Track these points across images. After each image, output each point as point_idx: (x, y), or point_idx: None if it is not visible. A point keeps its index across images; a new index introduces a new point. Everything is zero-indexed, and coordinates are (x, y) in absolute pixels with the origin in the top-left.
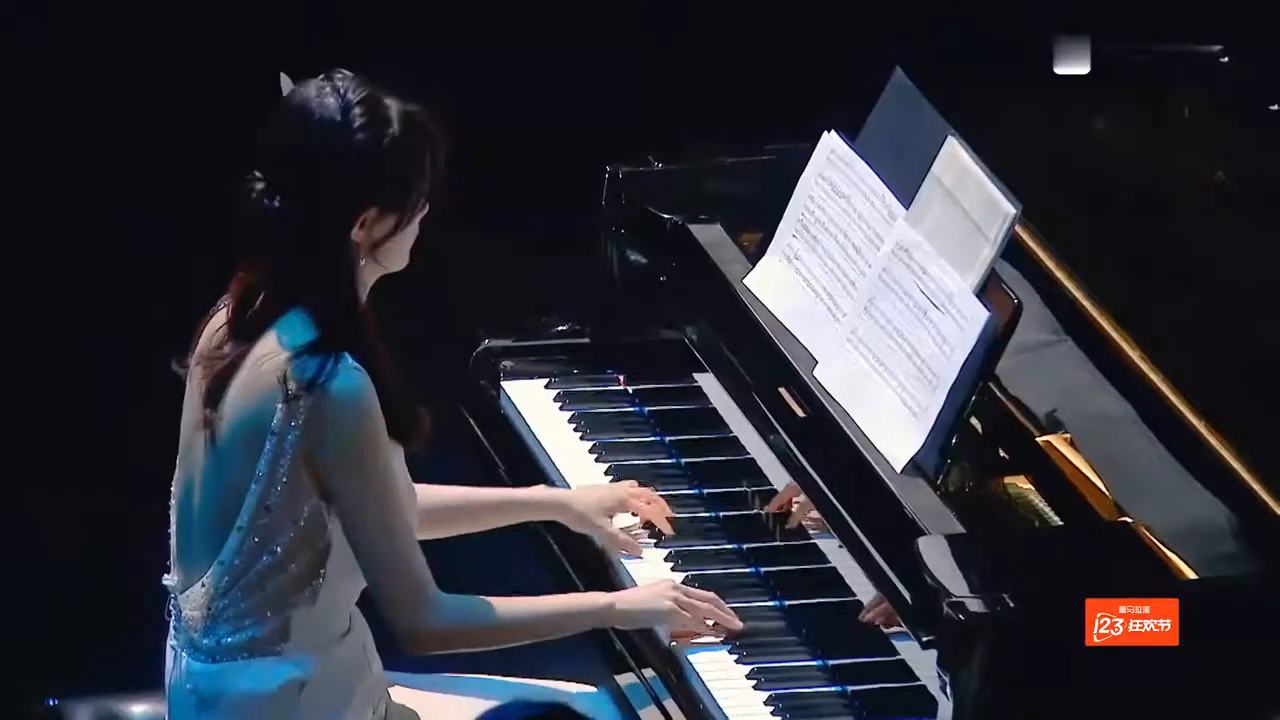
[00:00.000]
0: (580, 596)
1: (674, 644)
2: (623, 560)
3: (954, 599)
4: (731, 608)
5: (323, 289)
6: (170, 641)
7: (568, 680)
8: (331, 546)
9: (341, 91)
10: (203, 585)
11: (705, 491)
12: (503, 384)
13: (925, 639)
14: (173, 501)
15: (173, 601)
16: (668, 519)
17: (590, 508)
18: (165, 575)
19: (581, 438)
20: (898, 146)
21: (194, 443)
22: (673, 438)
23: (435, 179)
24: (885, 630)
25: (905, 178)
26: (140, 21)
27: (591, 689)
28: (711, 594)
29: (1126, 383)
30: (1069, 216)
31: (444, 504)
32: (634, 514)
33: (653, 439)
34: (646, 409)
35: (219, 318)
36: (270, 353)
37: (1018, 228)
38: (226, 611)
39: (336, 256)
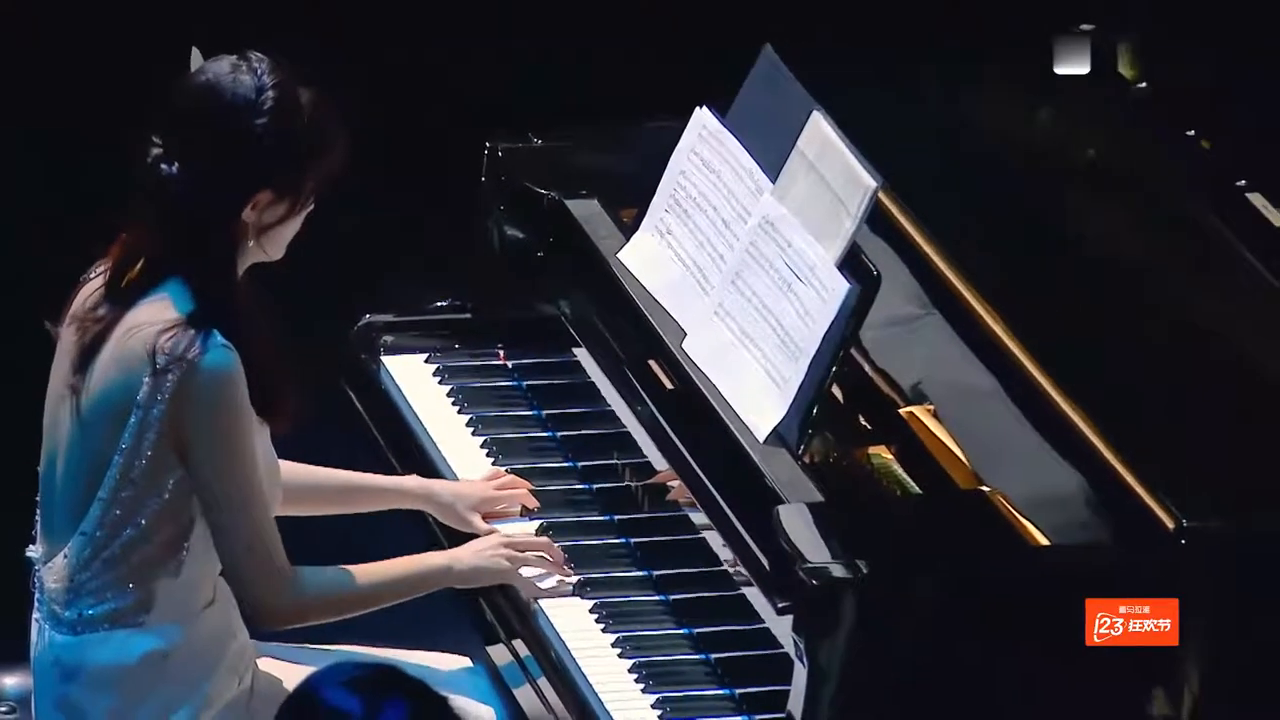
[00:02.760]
0: (421, 559)
1: (527, 593)
2: None
3: (809, 565)
4: (600, 578)
5: (204, 262)
6: (35, 614)
7: (442, 652)
8: (196, 520)
9: (258, 73)
10: (65, 556)
11: (580, 464)
12: (382, 358)
13: (781, 605)
14: (39, 470)
15: (36, 573)
16: (531, 491)
17: (458, 501)
18: (30, 547)
19: (459, 411)
20: (766, 122)
21: (59, 411)
22: (550, 411)
23: (333, 170)
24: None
25: (773, 153)
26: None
27: (466, 662)
28: (542, 540)
29: (991, 357)
30: (945, 194)
31: (314, 484)
32: (503, 514)
33: (529, 413)
34: (525, 383)
35: (97, 280)
36: (141, 324)
37: (892, 205)
38: (89, 584)
39: (224, 232)
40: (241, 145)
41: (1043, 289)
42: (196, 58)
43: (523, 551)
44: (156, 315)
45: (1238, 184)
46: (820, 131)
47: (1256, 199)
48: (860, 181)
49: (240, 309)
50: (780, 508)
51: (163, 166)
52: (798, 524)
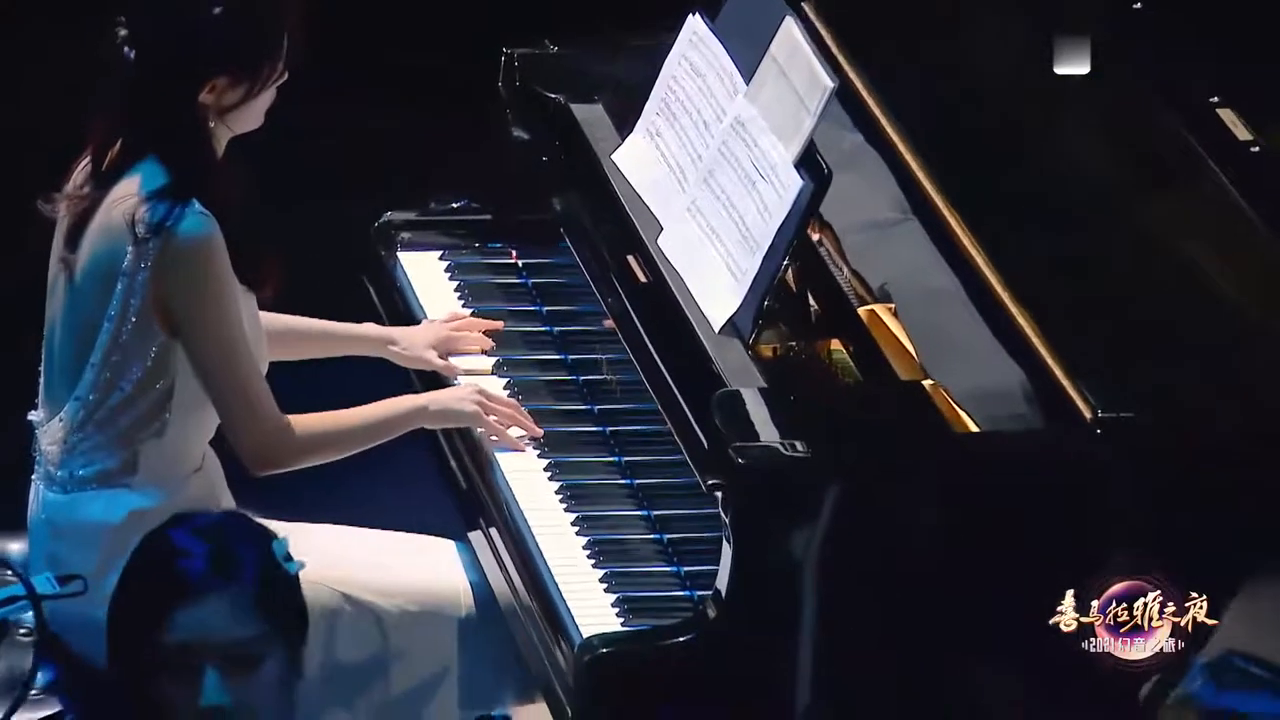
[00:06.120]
0: (399, 400)
1: (481, 435)
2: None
3: (738, 445)
4: (571, 462)
5: (171, 140)
6: (33, 477)
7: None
8: (176, 383)
9: None
10: (60, 420)
11: (570, 358)
12: (399, 254)
13: (710, 482)
14: (43, 341)
15: (36, 437)
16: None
17: (416, 344)
18: (31, 411)
19: (464, 305)
20: (749, 27)
21: (57, 283)
22: (551, 307)
23: (291, 53)
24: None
25: (752, 57)
26: None
27: (451, 544)
28: (513, 401)
29: (957, 261)
30: (932, 112)
31: (287, 328)
32: (460, 350)
33: (532, 308)
34: (531, 281)
35: (86, 160)
36: (124, 196)
37: (885, 121)
38: (81, 445)
39: (183, 114)
40: (191, 33)
41: (1012, 198)
42: None
43: (492, 402)
44: (136, 189)
45: (1210, 100)
46: (790, 36)
47: (1226, 115)
48: (819, 82)
49: (216, 181)
50: (720, 391)
51: (124, 50)
52: (735, 407)
